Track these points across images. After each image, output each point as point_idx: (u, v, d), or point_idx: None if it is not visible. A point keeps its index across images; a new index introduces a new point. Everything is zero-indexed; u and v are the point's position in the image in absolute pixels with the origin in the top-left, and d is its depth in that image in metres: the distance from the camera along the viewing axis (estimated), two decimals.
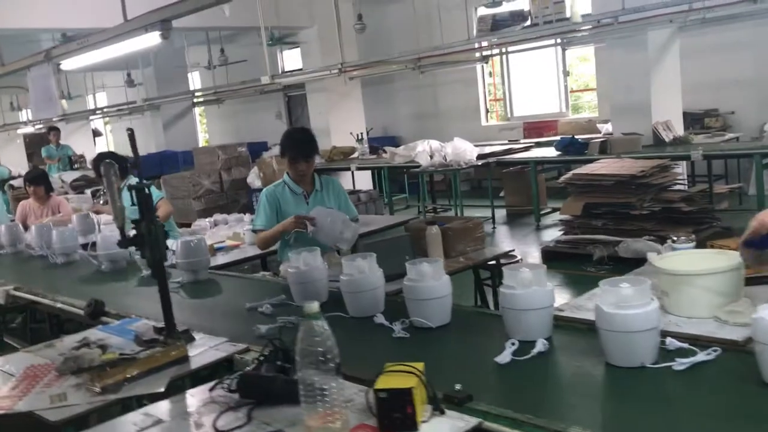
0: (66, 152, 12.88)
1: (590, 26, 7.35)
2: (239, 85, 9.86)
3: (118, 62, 13.05)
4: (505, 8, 10.22)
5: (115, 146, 20.04)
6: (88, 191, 7.84)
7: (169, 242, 4.40)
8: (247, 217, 6.37)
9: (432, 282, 2.55)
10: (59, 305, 3.40)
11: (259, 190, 9.84)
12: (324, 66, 8.31)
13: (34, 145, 20.12)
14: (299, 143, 3.62)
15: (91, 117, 14.81)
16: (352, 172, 10.72)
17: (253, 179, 9.97)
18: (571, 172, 6.28)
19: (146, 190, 2.42)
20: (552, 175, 9.56)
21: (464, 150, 7.61)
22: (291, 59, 13.80)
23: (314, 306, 1.55)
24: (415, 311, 2.56)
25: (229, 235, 4.53)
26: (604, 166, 6.15)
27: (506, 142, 10.18)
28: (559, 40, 9.82)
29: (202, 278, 3.75)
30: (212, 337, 2.52)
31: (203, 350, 2.36)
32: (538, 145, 9.04)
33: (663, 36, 7.38)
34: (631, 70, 7.33)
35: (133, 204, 2.38)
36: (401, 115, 12.67)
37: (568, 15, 9.38)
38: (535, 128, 10.54)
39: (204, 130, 17.46)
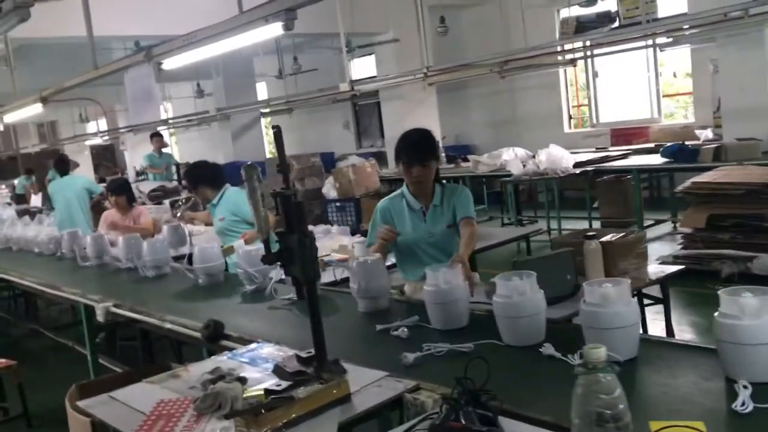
0: (170, 161, 11.97)
1: (696, 22, 6.80)
2: (316, 93, 9.58)
3: (187, 72, 13.02)
4: (590, 9, 9.75)
5: (180, 157, 20.13)
6: (167, 201, 7.64)
7: None
8: (335, 228, 6.06)
9: (620, 307, 2.13)
10: (168, 326, 3.08)
11: (334, 201, 9.56)
12: (407, 71, 7.95)
13: (99, 156, 20.41)
14: (414, 145, 3.16)
15: (159, 127, 14.75)
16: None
17: (329, 189, 9.67)
18: (690, 180, 5.75)
19: (293, 197, 2.07)
20: (644, 186, 8.99)
21: (561, 157, 7.13)
22: (361, 67, 13.53)
23: (600, 353, 1.15)
24: (596, 342, 2.14)
25: (335, 247, 4.18)
26: (726, 174, 5.61)
27: (594, 149, 9.63)
28: (650, 42, 9.28)
29: None
30: (363, 368, 2.14)
31: (363, 386, 1.98)
32: (635, 152, 8.47)
33: None
34: (745, 70, 6.76)
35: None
36: (475, 122, 12.24)
37: (660, 15, 8.88)
38: (624, 135, 9.97)
39: (270, 142, 17.30)
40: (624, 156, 7.98)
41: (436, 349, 2.35)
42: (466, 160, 10.28)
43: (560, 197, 9.89)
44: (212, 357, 2.42)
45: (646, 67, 10.11)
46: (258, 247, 3.93)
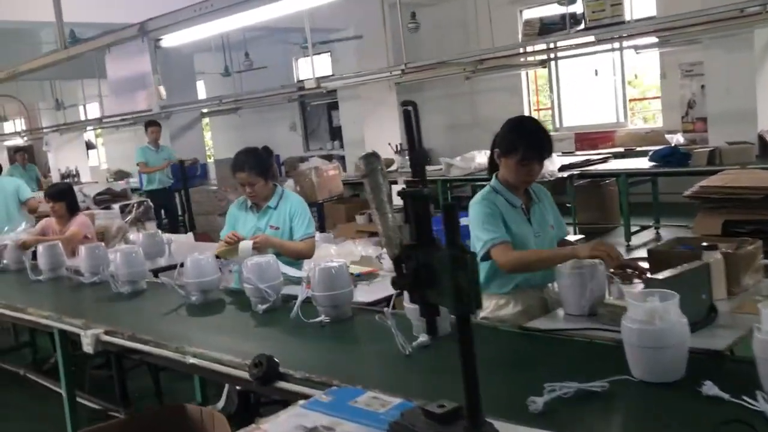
0: (170, 155, 9.46)
1: (685, 23, 6.61)
2: (277, 90, 8.93)
3: None
4: (556, 10, 9.53)
5: (108, 160, 18.92)
6: (116, 206, 6.84)
7: (292, 271, 3.54)
8: (318, 236, 5.52)
9: None
10: (192, 361, 2.46)
11: None
12: (383, 67, 7.40)
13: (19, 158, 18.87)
14: (536, 136, 2.66)
15: (90, 127, 13.71)
16: (390, 187, 9.88)
17: None
18: (698, 184, 5.47)
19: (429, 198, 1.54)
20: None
21: (549, 160, 6.78)
22: (306, 66, 12.90)
23: None
24: None
25: (356, 259, 3.64)
26: (734, 179, 5.36)
27: (559, 153, 9.39)
28: (617, 45, 9.14)
29: (344, 316, 2.87)
30: (515, 426, 1.64)
31: None
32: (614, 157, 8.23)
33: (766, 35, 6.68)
34: (733, 72, 6.60)
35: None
36: (431, 125, 11.81)
37: (627, 18, 8.73)
38: (588, 140, 9.78)
39: (208, 143, 16.44)
40: (604, 160, 7.74)
41: (562, 389, 1.88)
42: (427, 163, 9.87)
43: None
44: (289, 408, 1.85)
45: (613, 71, 9.97)
46: (268, 258, 3.32)
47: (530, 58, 9.16)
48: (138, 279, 3.89)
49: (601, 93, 10.22)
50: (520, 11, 10.36)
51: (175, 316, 3.28)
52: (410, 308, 2.51)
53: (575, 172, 7.07)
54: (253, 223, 3.76)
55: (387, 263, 3.62)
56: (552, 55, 9.56)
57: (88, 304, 3.75)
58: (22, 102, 14.95)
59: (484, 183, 7.66)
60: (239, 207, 3.92)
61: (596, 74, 10.00)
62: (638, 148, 8.92)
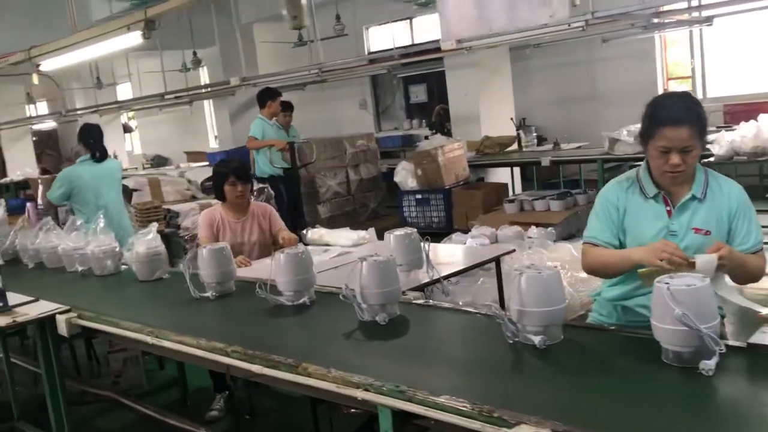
0: (295, 135, 7.63)
1: None
2: (394, 56, 7.45)
3: (173, 40, 10.62)
4: None
5: (142, 144, 17.39)
6: None
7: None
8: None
9: None
10: None
11: (413, 192, 7.53)
12: (574, 15, 5.88)
13: (41, 144, 17.25)
14: None
15: (137, 106, 12.26)
16: (512, 169, 8.51)
17: (405, 178, 7.64)
18: None
19: None
20: None
21: None
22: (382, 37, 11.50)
23: None
24: None
25: None
26: None
27: (714, 128, 8.01)
28: None
29: None
30: None
31: None
32: None
33: None
34: None
35: None
36: (537, 99, 10.41)
37: None
38: (743, 112, 8.39)
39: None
40: None
41: None
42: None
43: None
44: None
45: None
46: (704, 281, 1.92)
47: (683, 16, 7.75)
48: (391, 302, 2.55)
49: (757, 57, 8.82)
50: None
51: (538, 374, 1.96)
52: None
53: None
54: (662, 223, 2.31)
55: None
56: (696, 14, 8.14)
57: (326, 344, 2.38)
58: (54, 80, 13.48)
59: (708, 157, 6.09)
60: (627, 190, 2.38)
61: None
62: None
